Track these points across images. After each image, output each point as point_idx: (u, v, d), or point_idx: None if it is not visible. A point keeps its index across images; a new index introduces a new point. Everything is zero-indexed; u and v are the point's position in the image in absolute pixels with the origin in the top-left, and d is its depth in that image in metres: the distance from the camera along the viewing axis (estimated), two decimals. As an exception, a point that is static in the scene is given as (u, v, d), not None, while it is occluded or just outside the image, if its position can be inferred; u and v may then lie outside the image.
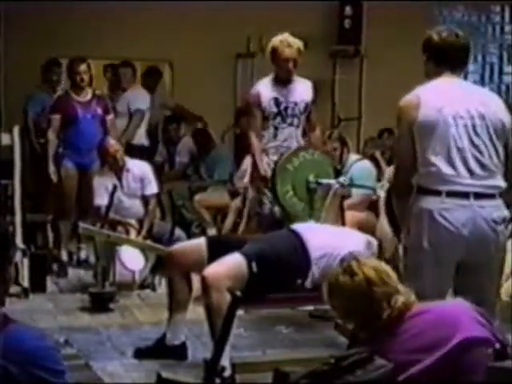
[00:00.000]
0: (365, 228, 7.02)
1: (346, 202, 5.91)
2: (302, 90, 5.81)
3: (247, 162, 7.78)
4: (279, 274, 4.31)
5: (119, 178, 6.57)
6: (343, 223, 5.48)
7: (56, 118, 6.93)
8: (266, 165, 5.71)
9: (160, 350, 4.57)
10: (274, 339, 5.17)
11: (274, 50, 5.67)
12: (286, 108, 5.73)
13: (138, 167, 6.69)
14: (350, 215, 6.06)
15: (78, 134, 6.90)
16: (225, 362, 4.03)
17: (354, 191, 6.48)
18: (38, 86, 7.89)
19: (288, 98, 5.74)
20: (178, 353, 4.56)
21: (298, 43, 5.68)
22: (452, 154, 3.66)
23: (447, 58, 3.84)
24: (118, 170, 6.56)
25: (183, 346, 4.58)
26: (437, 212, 3.64)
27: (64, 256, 6.97)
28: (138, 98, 8.14)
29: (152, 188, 6.70)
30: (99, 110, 7.00)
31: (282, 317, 5.49)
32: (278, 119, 5.73)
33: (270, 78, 5.80)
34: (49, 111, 7.07)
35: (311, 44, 8.49)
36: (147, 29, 8.59)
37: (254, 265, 4.21)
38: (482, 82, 10.20)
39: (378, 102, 9.05)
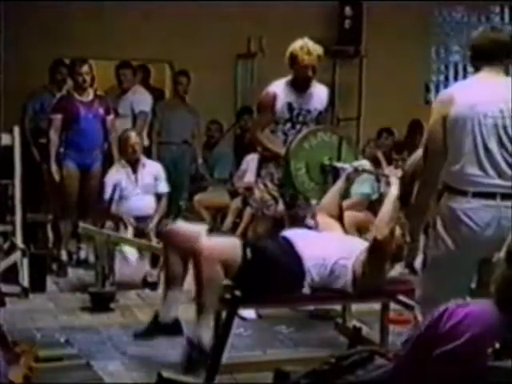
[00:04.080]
0: (363, 228, 7.06)
1: (345, 203, 5.90)
2: (317, 98, 5.71)
3: (247, 162, 7.82)
4: (273, 271, 4.26)
5: (134, 171, 6.82)
6: (342, 223, 5.48)
7: (58, 118, 6.93)
8: (271, 165, 5.69)
9: (154, 329, 4.51)
10: (274, 339, 5.17)
11: (293, 56, 5.50)
12: (298, 115, 5.64)
13: (153, 165, 7.08)
14: (348, 215, 6.06)
15: (79, 134, 6.91)
16: (205, 334, 4.10)
17: (353, 191, 6.48)
18: (45, 86, 7.90)
19: (302, 105, 5.64)
20: (171, 330, 4.47)
21: (317, 50, 5.53)
22: (480, 154, 3.64)
23: (483, 53, 3.77)
24: (135, 163, 6.80)
25: (176, 322, 4.47)
26: (462, 211, 3.64)
27: (64, 256, 6.97)
28: (142, 99, 8.15)
29: (164, 187, 6.99)
30: (101, 111, 7.01)
31: (282, 317, 5.49)
32: (288, 125, 5.64)
33: (287, 80, 5.64)
34: (51, 111, 7.08)
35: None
36: (147, 29, 8.59)
37: (248, 251, 4.20)
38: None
39: (378, 102, 9.07)
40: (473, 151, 3.65)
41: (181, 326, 4.47)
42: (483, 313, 2.66)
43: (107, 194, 6.72)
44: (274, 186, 5.71)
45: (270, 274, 4.26)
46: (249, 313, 5.37)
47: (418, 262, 6.77)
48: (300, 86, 5.62)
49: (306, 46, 5.50)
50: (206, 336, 4.11)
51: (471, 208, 3.63)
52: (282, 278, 4.30)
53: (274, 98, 5.58)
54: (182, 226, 4.77)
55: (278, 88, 5.62)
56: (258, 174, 5.83)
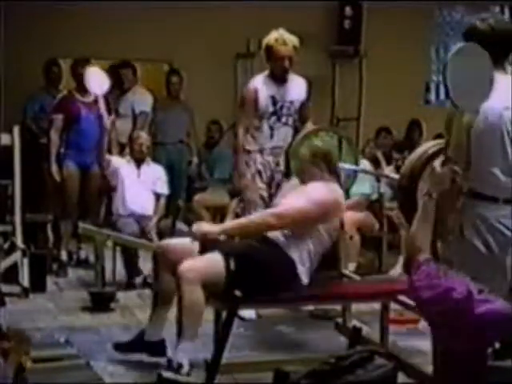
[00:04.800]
0: (363, 228, 7.06)
1: (346, 203, 5.89)
2: (297, 89, 5.74)
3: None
4: (261, 273, 4.24)
5: (138, 168, 6.89)
6: (342, 223, 5.48)
7: (59, 118, 6.94)
8: (260, 165, 5.67)
9: (138, 346, 4.51)
10: (274, 339, 5.17)
11: (269, 48, 5.55)
12: (281, 107, 5.65)
13: (156, 167, 7.15)
14: (348, 215, 6.06)
15: (80, 135, 6.92)
16: (184, 359, 4.08)
17: (353, 192, 6.48)
18: (42, 87, 7.90)
19: (284, 97, 5.65)
20: (156, 350, 4.46)
21: (293, 40, 5.55)
22: (509, 160, 3.55)
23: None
24: (140, 162, 6.86)
25: (161, 343, 4.47)
26: (494, 219, 3.58)
27: (64, 256, 6.97)
28: (142, 100, 8.15)
29: (164, 188, 7.06)
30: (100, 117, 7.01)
31: (282, 317, 5.50)
32: (273, 119, 5.65)
33: (266, 75, 5.67)
34: (52, 111, 7.07)
35: (311, 44, 8.52)
36: (148, 29, 8.59)
37: (231, 262, 4.17)
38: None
39: (378, 103, 9.07)
40: (501, 158, 3.57)
41: (165, 347, 4.45)
42: (506, 313, 2.70)
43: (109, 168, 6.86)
44: (263, 185, 5.70)
45: (258, 276, 4.23)
46: (249, 313, 5.36)
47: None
48: (279, 78, 5.63)
49: (281, 38, 5.52)
50: (185, 362, 4.09)
51: (504, 215, 3.57)
52: (271, 276, 4.28)
53: (255, 92, 5.60)
54: (174, 242, 4.67)
55: (259, 83, 5.64)
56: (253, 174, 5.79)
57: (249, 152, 5.66)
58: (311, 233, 4.43)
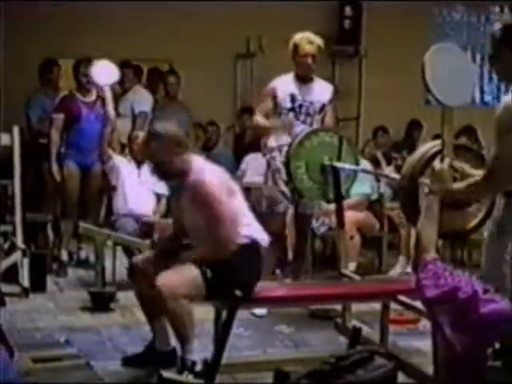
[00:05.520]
0: (364, 228, 7.07)
1: (346, 203, 5.91)
2: (320, 91, 5.88)
3: (247, 162, 7.82)
4: (237, 271, 4.24)
5: (138, 168, 6.85)
6: (342, 223, 5.48)
7: (59, 118, 6.93)
8: (279, 163, 5.73)
9: (149, 357, 4.48)
10: (274, 339, 5.17)
11: (296, 47, 5.78)
12: (300, 105, 5.79)
13: None
14: (349, 215, 6.07)
15: (80, 134, 6.91)
16: (197, 358, 4.10)
17: (353, 192, 6.48)
18: (37, 89, 7.90)
19: (304, 97, 5.80)
20: (168, 359, 4.41)
21: (318, 40, 5.83)
22: None
23: None
24: (141, 161, 6.79)
25: (173, 351, 4.43)
26: None
27: (64, 256, 6.97)
28: (142, 100, 8.15)
29: (164, 188, 6.88)
30: (103, 111, 7.00)
31: (282, 317, 5.50)
32: (291, 115, 5.78)
33: (290, 75, 5.87)
34: (53, 111, 7.07)
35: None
36: (147, 29, 8.59)
37: (207, 271, 4.20)
38: (481, 82, 10.22)
39: (377, 102, 9.07)
40: None
41: (177, 355, 4.39)
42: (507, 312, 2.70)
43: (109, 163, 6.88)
44: (282, 181, 5.76)
45: (238, 272, 4.23)
46: (260, 310, 5.44)
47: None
48: (302, 77, 5.82)
49: (306, 37, 5.79)
50: (198, 360, 4.13)
51: None
52: (251, 280, 4.31)
53: (273, 89, 5.82)
54: (145, 256, 4.67)
55: (280, 81, 5.84)
56: (266, 173, 5.90)
57: (272, 149, 5.81)
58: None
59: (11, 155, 6.21)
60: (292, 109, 5.78)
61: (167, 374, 4.09)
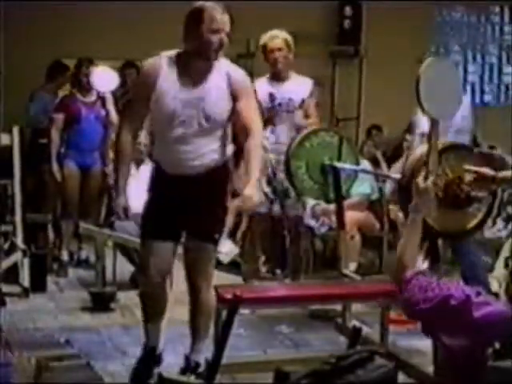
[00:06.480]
0: (364, 228, 7.06)
1: (346, 203, 5.91)
2: (298, 87, 5.85)
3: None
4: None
5: (138, 168, 6.80)
6: (342, 223, 5.49)
7: (59, 118, 6.93)
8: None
9: (154, 362, 4.28)
10: (274, 339, 5.17)
11: (263, 46, 5.84)
12: (280, 104, 5.79)
13: None
14: (349, 215, 6.07)
15: (80, 134, 6.91)
16: (202, 359, 4.10)
17: (353, 192, 6.48)
18: (42, 87, 7.90)
19: (284, 94, 5.79)
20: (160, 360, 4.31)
21: (284, 35, 5.82)
22: None
23: None
24: (140, 161, 6.77)
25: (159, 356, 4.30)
26: None
27: (65, 256, 6.97)
28: None
29: None
30: (103, 111, 7.00)
31: (282, 317, 5.50)
32: (271, 114, 5.76)
33: (267, 76, 5.91)
34: (53, 110, 7.07)
35: (311, 44, 8.54)
36: (147, 29, 8.59)
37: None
38: (481, 82, 10.22)
39: (377, 102, 9.07)
40: None
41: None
42: (503, 314, 2.69)
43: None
44: (266, 183, 5.75)
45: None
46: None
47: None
48: (278, 76, 5.83)
49: (270, 34, 5.84)
50: (202, 362, 4.13)
51: None
52: None
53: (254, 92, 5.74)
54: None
55: (258, 82, 5.83)
56: None
57: None
58: None
59: (11, 155, 6.21)
60: (272, 108, 5.77)
61: (167, 373, 4.09)
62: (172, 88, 3.99)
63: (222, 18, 4.12)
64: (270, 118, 5.74)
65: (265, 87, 5.81)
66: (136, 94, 4.18)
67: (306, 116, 5.87)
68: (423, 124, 4.99)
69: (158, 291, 4.17)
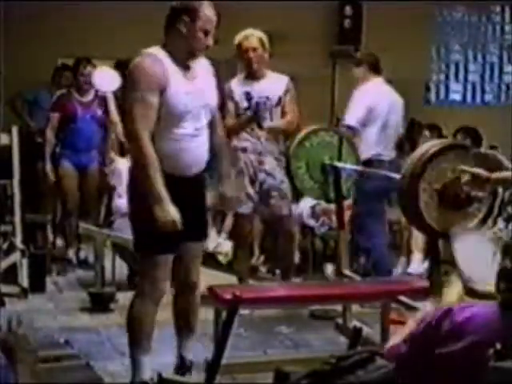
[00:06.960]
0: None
1: (346, 202, 5.90)
2: (274, 84, 5.80)
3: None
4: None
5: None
6: (343, 223, 5.48)
7: (55, 117, 6.93)
8: (243, 164, 5.72)
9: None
10: (274, 339, 5.17)
11: (238, 46, 5.78)
12: (257, 103, 5.73)
13: None
14: (349, 215, 6.06)
15: (76, 134, 6.90)
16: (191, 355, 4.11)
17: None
18: (46, 86, 7.89)
19: (260, 93, 5.74)
20: None
21: (259, 34, 5.79)
22: None
23: None
24: None
25: None
26: None
27: (71, 255, 6.99)
28: None
29: None
30: (99, 111, 6.99)
31: (282, 317, 5.50)
32: (249, 113, 5.73)
33: (242, 75, 5.88)
34: (49, 109, 7.07)
35: (311, 44, 8.53)
36: (147, 29, 8.58)
37: None
38: (482, 81, 10.22)
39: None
40: None
41: None
42: (487, 315, 2.65)
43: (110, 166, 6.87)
44: (248, 183, 5.73)
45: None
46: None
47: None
48: (253, 74, 5.78)
49: (244, 33, 5.79)
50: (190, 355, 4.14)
51: None
52: None
53: (230, 90, 5.78)
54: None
55: (234, 82, 5.83)
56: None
57: (234, 150, 5.70)
58: None
59: (10, 155, 6.21)
60: (249, 107, 5.73)
61: (166, 374, 4.08)
62: (181, 82, 3.93)
63: (214, 18, 4.01)
64: (249, 120, 5.71)
65: (240, 86, 5.77)
66: (146, 91, 3.88)
67: (283, 113, 5.82)
68: None
69: (153, 317, 4.07)
